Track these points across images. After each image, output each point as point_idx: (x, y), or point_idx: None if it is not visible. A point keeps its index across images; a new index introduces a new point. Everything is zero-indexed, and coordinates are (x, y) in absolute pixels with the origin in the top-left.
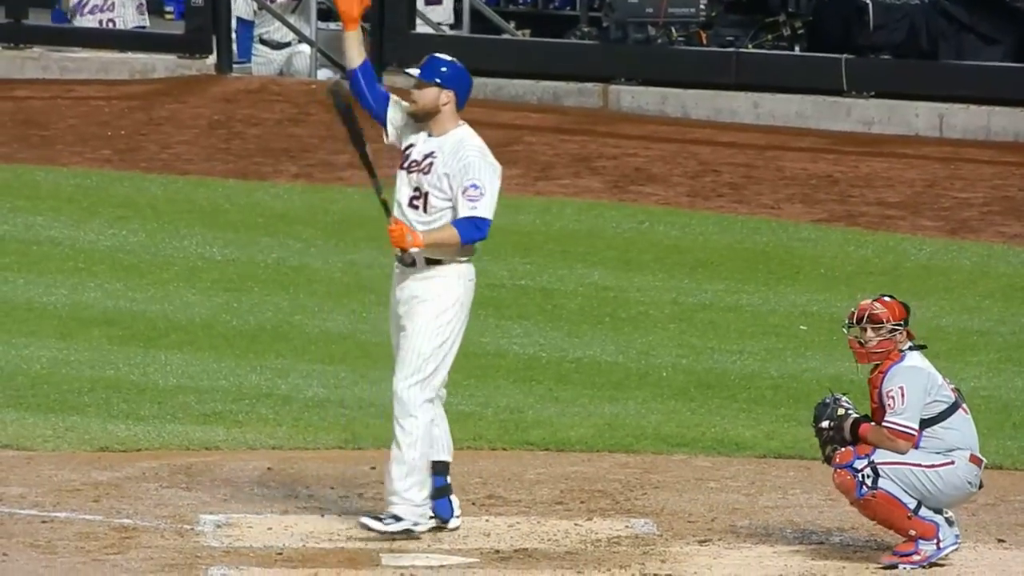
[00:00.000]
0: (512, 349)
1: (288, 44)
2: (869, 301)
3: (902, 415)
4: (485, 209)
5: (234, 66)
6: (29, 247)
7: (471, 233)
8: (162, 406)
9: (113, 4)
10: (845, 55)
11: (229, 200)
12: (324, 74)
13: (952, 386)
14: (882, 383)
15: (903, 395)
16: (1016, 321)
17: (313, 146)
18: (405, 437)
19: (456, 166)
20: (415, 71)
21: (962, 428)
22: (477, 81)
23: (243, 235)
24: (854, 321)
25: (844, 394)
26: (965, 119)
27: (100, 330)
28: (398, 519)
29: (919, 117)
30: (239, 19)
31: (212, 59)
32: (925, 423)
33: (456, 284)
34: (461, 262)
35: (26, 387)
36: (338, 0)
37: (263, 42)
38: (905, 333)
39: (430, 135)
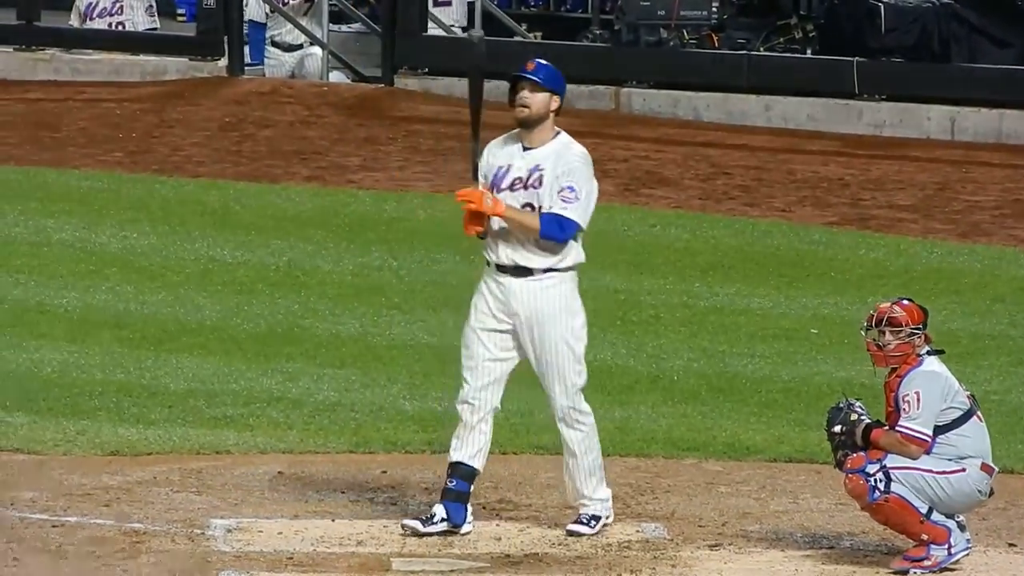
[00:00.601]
0: None
1: (300, 46)
2: (888, 304)
3: (916, 420)
4: (575, 212)
5: (246, 68)
6: (40, 249)
7: (553, 230)
8: (173, 410)
9: (123, 7)
10: (856, 58)
11: (240, 202)
12: (336, 76)
13: (967, 392)
14: (899, 387)
15: (919, 400)
16: None
17: (325, 148)
18: (580, 443)
19: (562, 169)
20: (531, 75)
21: (975, 436)
22: (490, 84)
23: (254, 238)
24: (873, 324)
25: (858, 399)
26: (977, 122)
27: (111, 333)
28: (597, 519)
29: (931, 120)
30: (251, 21)
31: (224, 61)
32: (939, 429)
33: (576, 288)
34: (572, 268)
35: (37, 390)
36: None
37: (275, 44)
38: (923, 337)
39: (526, 148)
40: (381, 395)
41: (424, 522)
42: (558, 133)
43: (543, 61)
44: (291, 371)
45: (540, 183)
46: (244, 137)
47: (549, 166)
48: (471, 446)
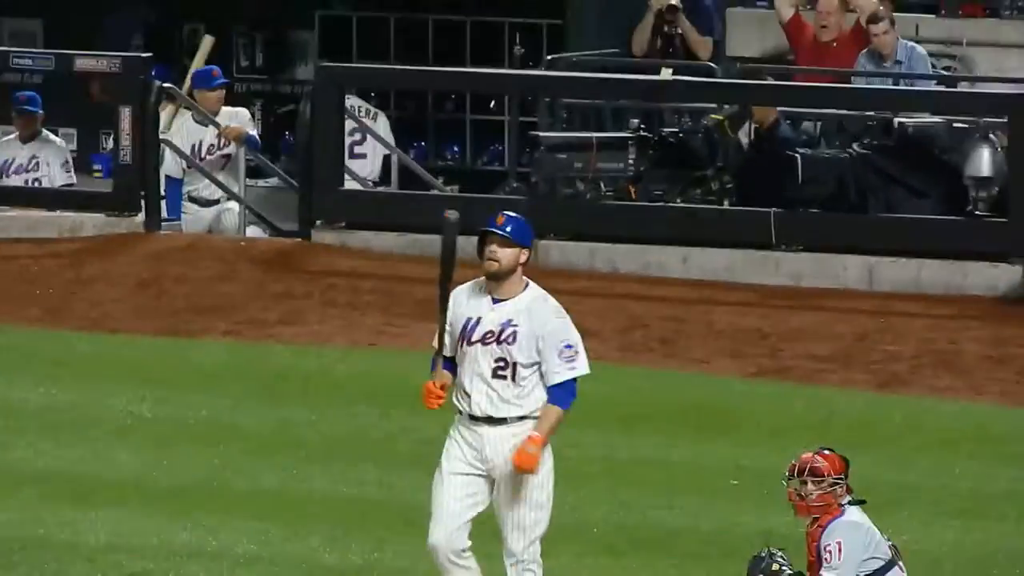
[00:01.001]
0: None
1: (217, 201)
2: (810, 454)
3: (838, 570)
4: (581, 367)
5: (163, 223)
6: None
7: (569, 399)
8: (93, 564)
9: (39, 163)
10: (774, 209)
11: (158, 357)
12: (252, 231)
13: (889, 543)
14: (821, 537)
15: (840, 550)
16: (947, 474)
17: (242, 304)
18: None
19: (542, 329)
20: (500, 230)
21: None
22: (406, 238)
23: (172, 393)
24: (795, 473)
25: (780, 549)
26: (895, 272)
27: (30, 489)
28: None
29: (848, 270)
30: (168, 177)
31: (141, 217)
32: None
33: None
34: None
35: None
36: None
37: (192, 199)
38: (845, 487)
39: (496, 301)
40: (301, 547)
41: None
42: (527, 285)
43: (512, 214)
44: (210, 525)
45: (513, 339)
46: (162, 292)
47: (523, 322)
48: None
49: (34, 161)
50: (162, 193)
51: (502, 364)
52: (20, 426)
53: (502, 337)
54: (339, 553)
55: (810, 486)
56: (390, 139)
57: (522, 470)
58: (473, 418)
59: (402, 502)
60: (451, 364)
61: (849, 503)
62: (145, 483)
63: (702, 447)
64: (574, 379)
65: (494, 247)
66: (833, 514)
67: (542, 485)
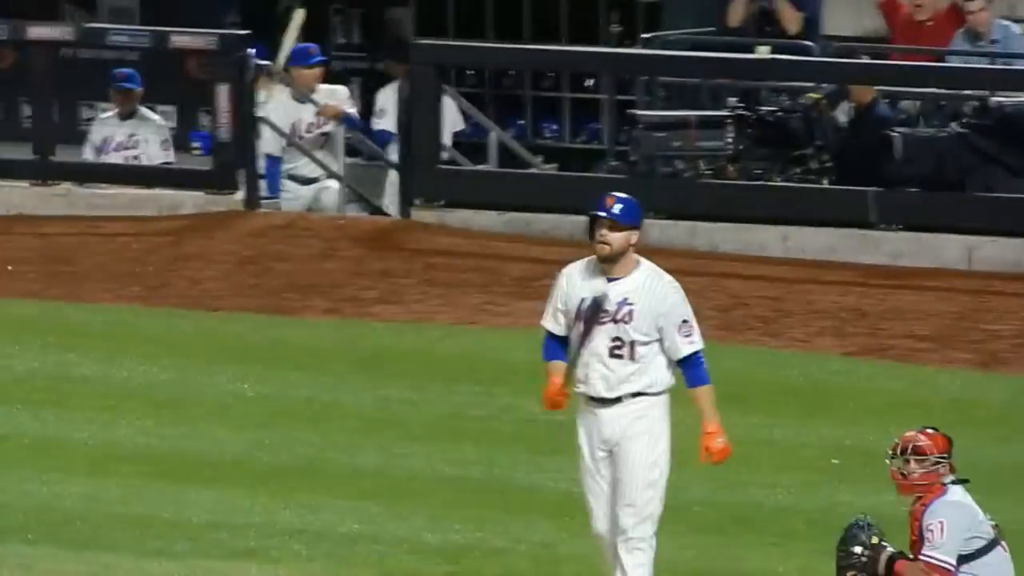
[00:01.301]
0: (546, 484)
1: (316, 180)
2: (913, 432)
3: (940, 549)
4: (700, 339)
5: (263, 202)
6: (60, 384)
7: (705, 372)
8: (195, 543)
9: (138, 141)
10: (873, 188)
11: (259, 336)
12: (352, 209)
13: (992, 523)
14: (923, 516)
15: (943, 529)
16: None
17: (342, 281)
18: (640, 571)
19: (661, 306)
20: (610, 213)
21: (1000, 566)
22: (505, 216)
23: (273, 371)
24: (898, 452)
25: (872, 523)
26: (994, 251)
27: (131, 466)
28: None
29: (947, 249)
30: (267, 155)
31: (240, 195)
32: (963, 559)
33: (665, 414)
34: (663, 392)
35: (59, 524)
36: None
37: (291, 178)
38: (948, 466)
39: (610, 279)
40: (403, 527)
41: None
42: (639, 263)
43: (620, 195)
44: (312, 504)
45: (630, 318)
46: (262, 270)
47: (639, 300)
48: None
49: (133, 139)
50: (261, 171)
51: (619, 343)
52: (122, 404)
53: (619, 316)
54: (441, 533)
55: (913, 464)
56: (458, 116)
57: (722, 460)
58: (590, 399)
59: (503, 482)
60: (563, 346)
61: (952, 482)
62: (246, 462)
63: (803, 426)
64: (698, 352)
65: (604, 231)
66: (936, 493)
67: (656, 464)
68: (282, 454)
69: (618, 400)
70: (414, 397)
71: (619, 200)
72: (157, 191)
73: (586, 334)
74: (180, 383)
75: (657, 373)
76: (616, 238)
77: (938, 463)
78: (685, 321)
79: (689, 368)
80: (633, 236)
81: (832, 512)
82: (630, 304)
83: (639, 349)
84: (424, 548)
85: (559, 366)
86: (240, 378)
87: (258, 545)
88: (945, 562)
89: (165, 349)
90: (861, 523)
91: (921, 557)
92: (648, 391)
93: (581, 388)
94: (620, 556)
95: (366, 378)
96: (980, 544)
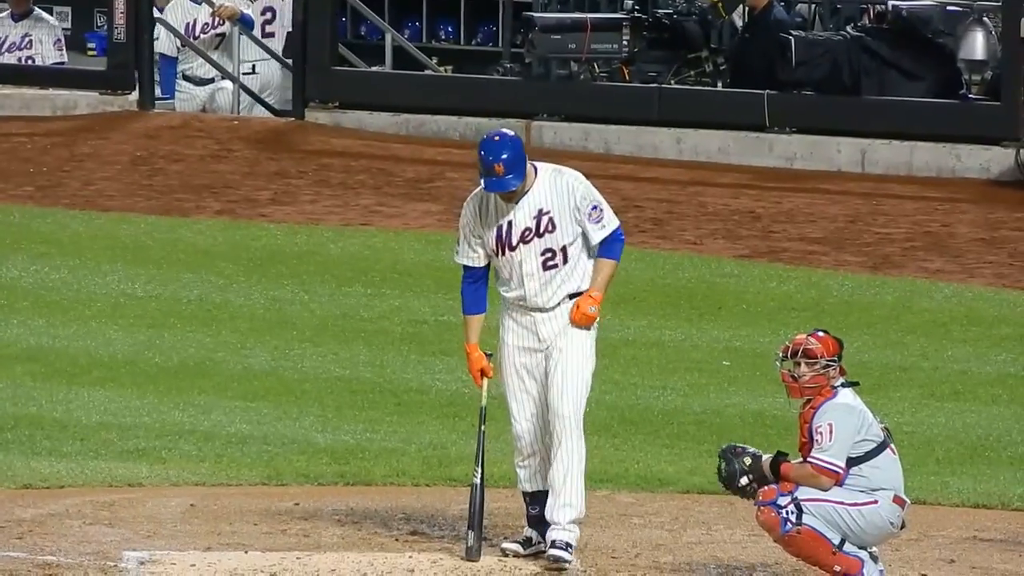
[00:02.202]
0: (435, 385)
1: (211, 80)
2: (804, 336)
3: (828, 451)
4: (612, 220)
5: (157, 102)
6: None
7: (618, 248)
8: (85, 443)
9: (31, 42)
10: (767, 91)
11: (151, 236)
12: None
13: (882, 424)
14: (813, 418)
15: (831, 432)
16: (938, 356)
17: (235, 182)
18: (579, 457)
19: (573, 199)
20: (504, 185)
21: (888, 468)
22: (399, 117)
23: (165, 272)
24: (788, 355)
25: (733, 443)
26: (887, 155)
27: (23, 367)
28: (571, 546)
29: (841, 153)
30: (162, 55)
31: (134, 96)
32: (852, 461)
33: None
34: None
35: None
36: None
37: (186, 78)
38: (838, 369)
39: (518, 200)
40: (293, 428)
41: (523, 545)
42: (536, 169)
43: (503, 153)
44: (203, 404)
45: (553, 226)
46: (155, 171)
47: (553, 205)
48: (535, 474)
49: (27, 39)
50: (156, 72)
51: (550, 255)
52: (13, 304)
53: (541, 229)
54: (331, 434)
55: (803, 368)
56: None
57: (580, 325)
58: (525, 307)
59: (394, 382)
60: (482, 285)
61: (842, 385)
62: (137, 362)
63: (694, 328)
64: (616, 231)
65: (505, 181)
66: (825, 396)
67: (589, 358)
68: (173, 355)
69: (556, 306)
70: (305, 298)
71: (504, 161)
72: (51, 92)
73: (514, 256)
74: (72, 283)
75: (586, 267)
76: (522, 183)
77: (828, 366)
78: (595, 207)
79: (604, 244)
80: (529, 167)
81: (722, 414)
82: (547, 213)
83: (570, 251)
84: (314, 449)
85: (476, 326)
86: (132, 278)
87: (148, 445)
88: (834, 464)
89: (57, 249)
90: (726, 456)
91: (810, 460)
92: (582, 289)
93: (513, 296)
94: (561, 444)
95: (258, 279)
96: (869, 447)
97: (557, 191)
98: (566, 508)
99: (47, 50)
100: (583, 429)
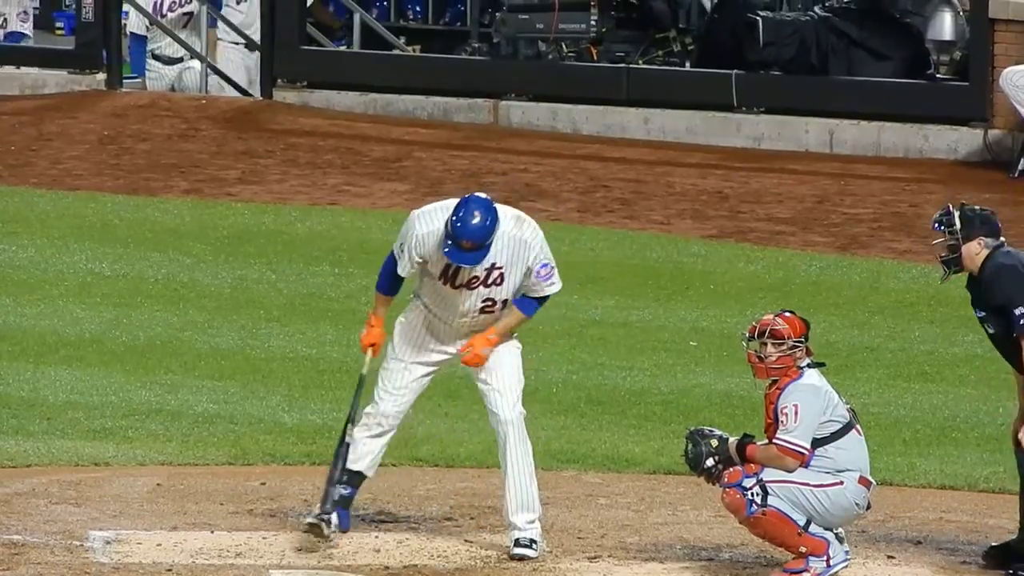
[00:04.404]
0: None
1: (180, 60)
2: (771, 316)
3: (794, 433)
4: (557, 283)
5: (127, 82)
6: None
7: (535, 309)
8: (51, 422)
9: (5, 20)
10: (735, 71)
11: (119, 216)
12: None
13: (847, 406)
14: (778, 399)
15: (796, 413)
16: (905, 337)
17: (203, 162)
18: (529, 460)
19: (528, 257)
20: (478, 261)
21: (854, 449)
22: (366, 97)
23: (133, 251)
24: (755, 335)
25: (700, 425)
26: (855, 135)
27: None
28: (535, 541)
29: (809, 133)
30: (132, 34)
31: (103, 75)
32: (817, 442)
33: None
34: None
35: None
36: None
37: (155, 57)
38: (804, 350)
39: None
40: (260, 407)
41: (327, 524)
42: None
43: (477, 238)
44: (169, 383)
45: (501, 280)
46: (123, 150)
47: (506, 261)
48: (371, 456)
49: (2, 18)
50: (126, 51)
51: (490, 303)
52: None
53: (489, 281)
54: (297, 413)
55: (770, 348)
56: None
57: (469, 364)
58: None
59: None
60: (399, 280)
61: (808, 366)
62: (104, 341)
63: (661, 308)
64: (550, 295)
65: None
66: (791, 376)
67: (516, 350)
68: (140, 334)
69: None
70: (273, 277)
71: (477, 241)
72: (20, 70)
73: (454, 293)
74: (39, 262)
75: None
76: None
77: (795, 347)
78: (545, 265)
79: (530, 300)
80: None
81: (689, 394)
82: (499, 268)
83: (509, 301)
84: (281, 428)
85: (387, 305)
86: (99, 257)
87: (114, 424)
88: (799, 446)
89: (24, 228)
90: (693, 439)
91: (775, 441)
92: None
93: (434, 310)
94: (508, 448)
95: (225, 258)
96: (835, 427)
97: (514, 248)
98: (524, 512)
99: (11, 19)
100: (525, 429)
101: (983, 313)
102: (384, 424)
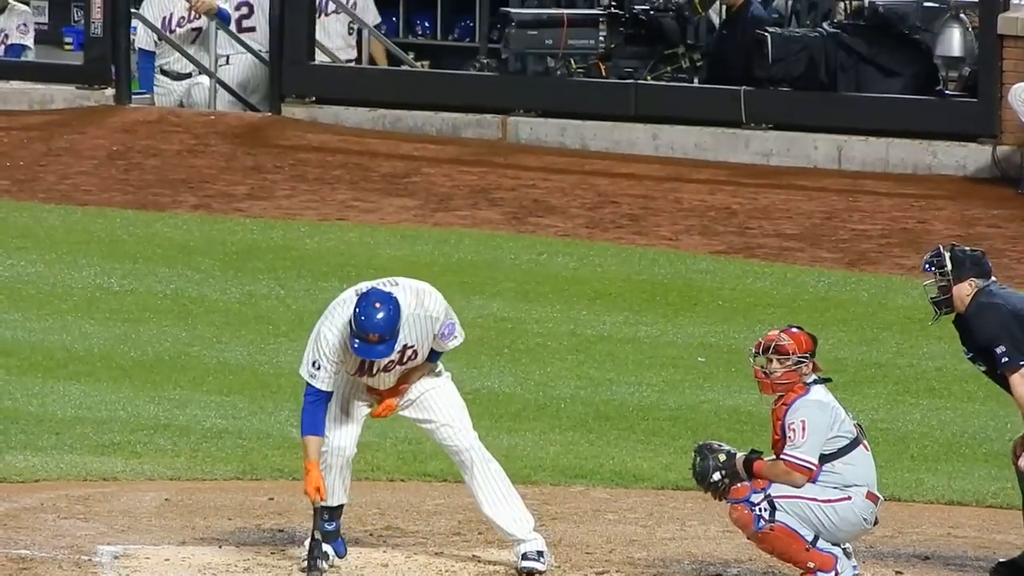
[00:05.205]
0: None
1: (189, 75)
2: (776, 332)
3: (801, 448)
4: (461, 333)
5: (135, 97)
6: None
7: (438, 358)
8: (60, 437)
9: (7, 36)
10: (744, 87)
11: (127, 231)
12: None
13: (855, 421)
14: (785, 415)
15: (804, 429)
16: (914, 353)
17: (212, 177)
18: (501, 476)
19: (434, 328)
20: (380, 349)
21: (861, 464)
22: (375, 113)
23: (141, 266)
24: (760, 351)
25: (708, 440)
26: (864, 151)
27: None
28: (542, 553)
29: (818, 149)
30: (140, 50)
31: (111, 90)
32: (825, 458)
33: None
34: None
35: None
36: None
37: (164, 73)
38: (811, 365)
39: None
40: (268, 422)
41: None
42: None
43: (382, 330)
44: (178, 398)
45: (415, 355)
46: (132, 166)
47: (417, 339)
48: (341, 488)
49: (3, 34)
50: (134, 66)
51: (404, 378)
52: None
53: (404, 359)
54: None
55: (775, 364)
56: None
57: (380, 416)
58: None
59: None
60: (325, 405)
61: (814, 381)
62: (113, 356)
63: (670, 324)
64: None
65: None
66: (798, 392)
67: (446, 382)
68: (149, 349)
69: None
70: (281, 293)
71: (382, 333)
72: (28, 85)
73: (371, 378)
74: (48, 277)
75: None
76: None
77: (800, 362)
78: (449, 325)
79: (436, 357)
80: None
81: (697, 410)
82: (411, 347)
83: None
84: (289, 443)
85: (317, 446)
86: (108, 273)
87: (123, 439)
88: (807, 461)
89: (33, 243)
90: (702, 452)
91: (783, 457)
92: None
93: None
94: (475, 473)
95: (234, 274)
96: (842, 443)
97: (420, 326)
98: (518, 523)
99: (11, 31)
100: (485, 449)
101: (971, 354)
102: (342, 455)
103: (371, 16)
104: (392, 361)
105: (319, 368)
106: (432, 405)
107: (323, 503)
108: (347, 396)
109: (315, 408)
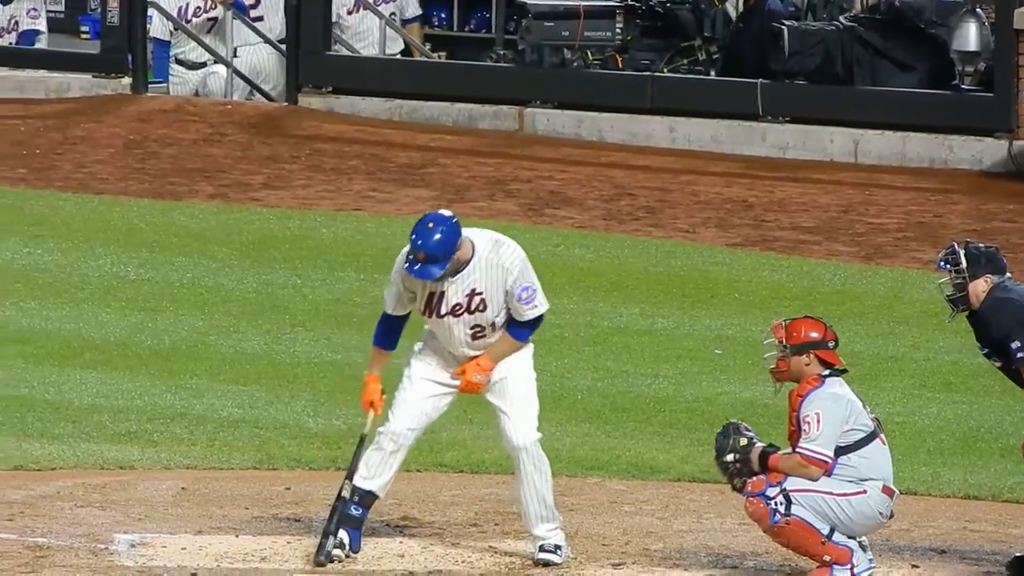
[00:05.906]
0: None
1: (204, 64)
2: (779, 321)
3: (816, 441)
4: (540, 306)
5: (151, 86)
6: None
7: (529, 334)
8: (77, 425)
9: (17, 23)
10: (760, 80)
11: (144, 220)
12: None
13: (872, 415)
14: (800, 407)
15: (819, 421)
16: (930, 347)
17: (228, 166)
18: (547, 478)
19: (507, 281)
20: (427, 268)
21: (877, 458)
22: (392, 103)
23: (158, 255)
24: (775, 340)
25: (740, 421)
26: (880, 145)
27: (15, 348)
28: (559, 547)
29: (834, 142)
30: (156, 39)
31: (127, 79)
32: (841, 450)
33: (529, 354)
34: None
35: None
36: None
37: (179, 62)
38: (814, 357)
39: (454, 273)
40: (285, 412)
41: (342, 548)
42: (474, 243)
43: (429, 247)
44: (195, 387)
45: (484, 306)
46: (148, 155)
47: (486, 287)
48: (384, 475)
49: (13, 21)
50: (149, 55)
51: (479, 329)
52: (5, 286)
53: (472, 307)
54: (323, 418)
55: (771, 351)
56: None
57: (466, 392)
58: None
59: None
60: (398, 325)
61: (830, 374)
62: (129, 345)
63: (686, 316)
64: (538, 318)
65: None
66: (813, 384)
67: (528, 372)
68: (165, 338)
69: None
70: (298, 282)
71: (428, 252)
72: (44, 74)
73: (442, 322)
74: (65, 265)
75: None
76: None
77: (794, 352)
78: (526, 288)
79: (521, 325)
80: (463, 249)
81: (713, 402)
82: (480, 294)
83: (499, 323)
84: (306, 433)
85: (382, 360)
86: (125, 261)
87: (139, 428)
88: (822, 454)
89: (50, 231)
90: (727, 430)
91: (798, 450)
92: None
93: (441, 339)
94: (524, 470)
95: (250, 263)
96: (859, 436)
97: (492, 273)
98: (545, 523)
99: (21, 17)
100: (541, 448)
101: (986, 350)
102: (395, 441)
103: (412, 8)
104: (459, 305)
105: (391, 293)
106: (505, 392)
107: (360, 480)
108: (428, 379)
109: (382, 325)
